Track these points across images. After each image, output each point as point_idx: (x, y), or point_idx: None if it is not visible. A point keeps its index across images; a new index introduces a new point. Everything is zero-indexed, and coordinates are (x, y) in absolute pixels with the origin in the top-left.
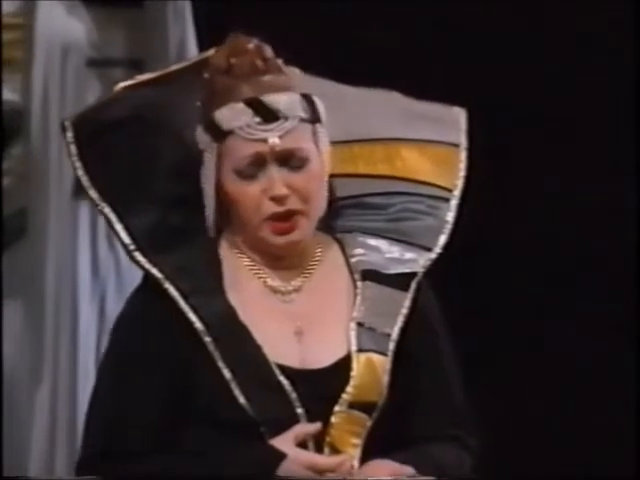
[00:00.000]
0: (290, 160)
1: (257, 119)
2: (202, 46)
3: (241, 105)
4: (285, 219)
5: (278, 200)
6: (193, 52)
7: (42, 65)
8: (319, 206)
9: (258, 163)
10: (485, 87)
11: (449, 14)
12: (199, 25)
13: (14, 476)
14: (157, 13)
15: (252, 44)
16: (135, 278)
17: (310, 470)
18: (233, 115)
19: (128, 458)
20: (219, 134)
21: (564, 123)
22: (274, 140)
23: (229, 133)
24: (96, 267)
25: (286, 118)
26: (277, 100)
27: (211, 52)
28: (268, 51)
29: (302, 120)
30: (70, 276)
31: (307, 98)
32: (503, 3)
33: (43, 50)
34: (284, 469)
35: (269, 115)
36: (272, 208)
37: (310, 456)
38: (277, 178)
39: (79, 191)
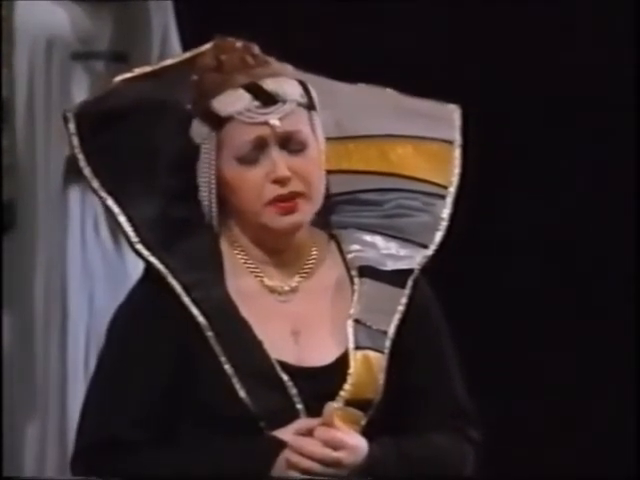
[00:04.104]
0: (290, 143)
1: (256, 103)
2: (184, 41)
3: (240, 91)
4: (288, 199)
5: (281, 182)
6: (176, 47)
7: (27, 58)
8: (319, 191)
9: (260, 147)
10: (479, 83)
11: (445, 10)
12: (181, 20)
13: (13, 476)
14: (139, 8)
15: (239, 43)
16: (123, 270)
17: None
18: (232, 101)
19: (126, 449)
20: (217, 122)
21: (561, 118)
22: (275, 122)
23: (228, 120)
24: (85, 259)
25: (284, 101)
26: (275, 84)
27: (200, 50)
28: (255, 48)
29: (299, 104)
30: (60, 268)
31: (303, 84)
32: None
33: (27, 43)
34: (284, 458)
35: (268, 98)
36: (275, 191)
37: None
38: (279, 160)
39: (68, 184)
